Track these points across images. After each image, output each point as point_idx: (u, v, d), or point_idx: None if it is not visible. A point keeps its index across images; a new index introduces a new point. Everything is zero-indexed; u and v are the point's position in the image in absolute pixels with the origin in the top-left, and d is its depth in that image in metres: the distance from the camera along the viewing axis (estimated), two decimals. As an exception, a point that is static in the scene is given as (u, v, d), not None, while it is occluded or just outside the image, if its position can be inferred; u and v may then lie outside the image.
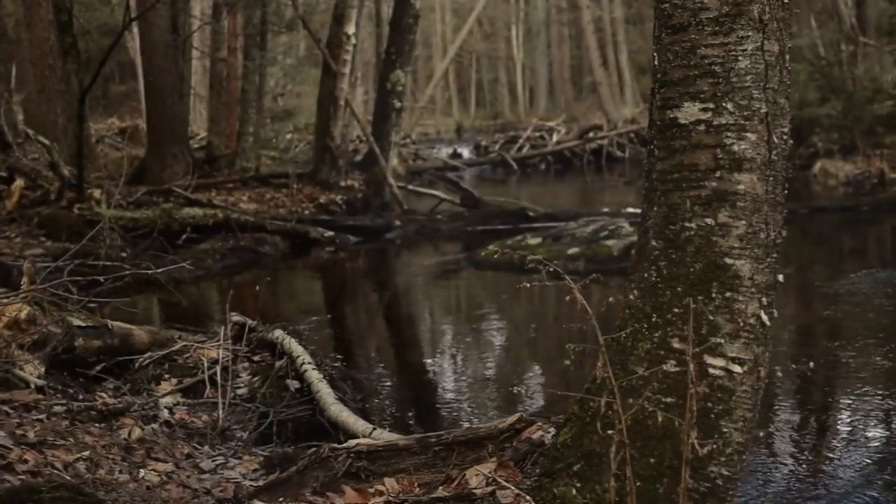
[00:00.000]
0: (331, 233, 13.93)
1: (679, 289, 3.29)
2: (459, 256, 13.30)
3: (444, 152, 31.19)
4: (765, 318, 3.25)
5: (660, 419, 3.16)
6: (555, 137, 31.01)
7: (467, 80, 49.87)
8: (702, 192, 3.27)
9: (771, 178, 3.27)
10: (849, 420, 6.06)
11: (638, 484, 3.22)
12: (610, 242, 11.57)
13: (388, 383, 7.34)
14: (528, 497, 3.27)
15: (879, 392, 6.41)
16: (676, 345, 3.25)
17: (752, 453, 5.36)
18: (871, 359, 7.36)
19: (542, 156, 29.30)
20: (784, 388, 6.62)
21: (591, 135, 29.99)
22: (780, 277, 3.32)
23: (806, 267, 11.99)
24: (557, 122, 33.79)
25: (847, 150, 21.30)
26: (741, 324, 3.24)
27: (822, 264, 12.29)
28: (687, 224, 3.30)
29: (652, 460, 3.23)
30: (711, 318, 3.23)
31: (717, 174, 3.24)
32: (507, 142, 31.36)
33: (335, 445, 4.06)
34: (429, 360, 8.22)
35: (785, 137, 3.29)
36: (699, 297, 3.24)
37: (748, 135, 3.23)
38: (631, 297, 3.44)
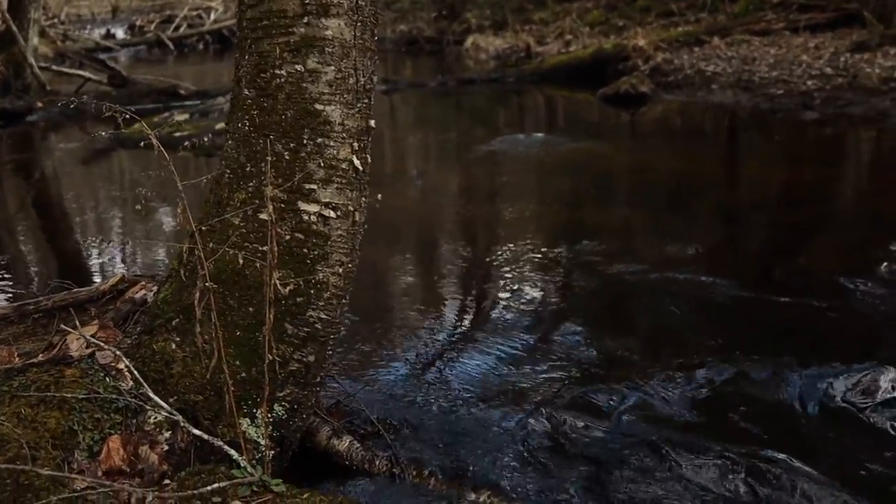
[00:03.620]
0: (-38, 115, 12.91)
1: (272, 137, 3.26)
2: (105, 136, 12.72)
3: (97, 33, 29.52)
4: (357, 163, 3.29)
5: (258, 267, 3.15)
6: (212, 16, 30.09)
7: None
8: (290, 39, 3.23)
9: (359, 24, 3.27)
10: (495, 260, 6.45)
11: (238, 333, 3.23)
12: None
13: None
14: (123, 356, 3.19)
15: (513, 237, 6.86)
16: (270, 193, 3.23)
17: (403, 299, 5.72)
18: (510, 207, 8.03)
19: (199, 35, 28.40)
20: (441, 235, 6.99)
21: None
22: (373, 123, 3.37)
23: (453, 132, 12.51)
24: (215, 1, 32.74)
25: (498, 26, 22.18)
26: (334, 169, 3.26)
27: (468, 130, 12.81)
28: (277, 71, 3.26)
29: (251, 309, 3.23)
30: (304, 164, 3.23)
31: (305, 20, 3.21)
32: (163, 21, 30.13)
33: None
34: (57, 237, 8.00)
35: (372, -18, 3.30)
36: (291, 145, 3.23)
37: (334, -21, 3.20)
38: (227, 148, 3.39)
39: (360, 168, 3.30)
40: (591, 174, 9.57)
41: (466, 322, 5.46)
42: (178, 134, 11.05)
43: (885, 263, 5.88)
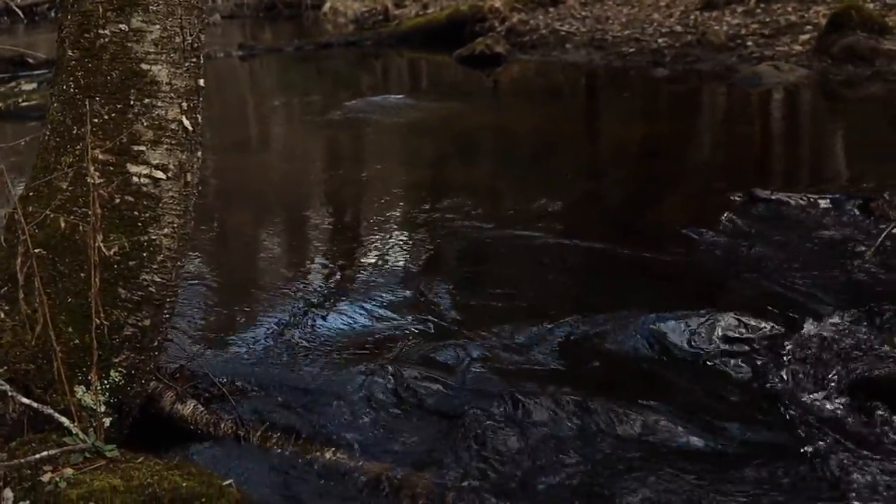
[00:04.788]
0: None
1: (98, 98, 3.18)
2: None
3: (-61, 0, 28.21)
4: (187, 123, 3.25)
5: (83, 231, 3.09)
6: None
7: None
8: (114, -3, 3.15)
9: (185, -19, 3.22)
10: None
11: (70, 300, 3.16)
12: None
13: None
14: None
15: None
16: (100, 156, 3.17)
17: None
18: (373, 169, 8.05)
19: (51, 3, 27.42)
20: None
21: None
22: (202, 82, 3.32)
23: (314, 96, 12.43)
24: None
25: (357, -11, 22.01)
26: (163, 130, 3.21)
27: (328, 94, 12.74)
28: (101, 31, 3.18)
29: (82, 275, 3.16)
30: (132, 125, 3.17)
31: (128, -23, 3.14)
32: (10, -13, 28.94)
33: None
34: None
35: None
36: (118, 106, 3.17)
37: (155, -65, 3.14)
38: (52, 110, 3.30)
39: (191, 128, 3.26)
40: (451, 134, 9.64)
41: (325, 283, 5.46)
42: (25, 104, 10.70)
43: (726, 213, 6.09)
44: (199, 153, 3.35)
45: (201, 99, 3.34)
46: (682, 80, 12.01)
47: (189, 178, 3.29)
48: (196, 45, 3.28)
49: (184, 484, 2.61)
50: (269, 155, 9.34)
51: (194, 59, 3.28)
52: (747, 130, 9.58)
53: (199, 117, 3.32)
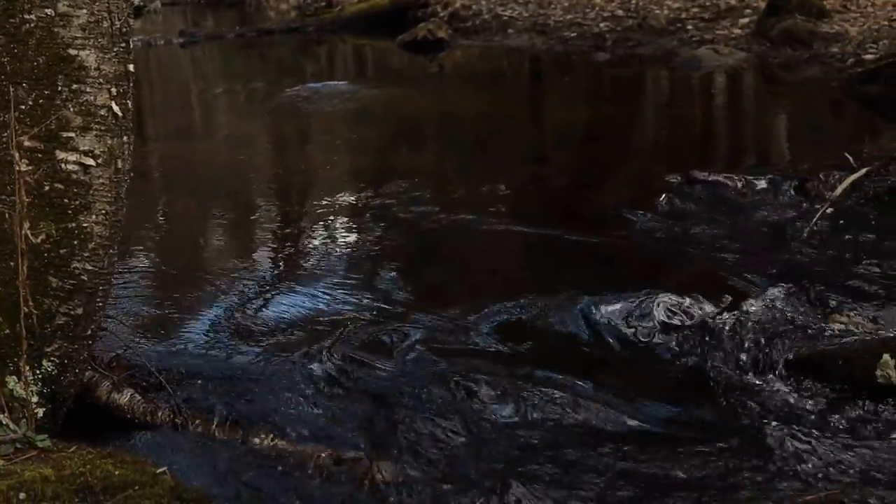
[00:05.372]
0: None
1: (24, 84, 3.13)
2: None
3: None
4: (117, 109, 3.20)
5: (8, 218, 3.04)
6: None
7: None
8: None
9: (111, -35, 3.17)
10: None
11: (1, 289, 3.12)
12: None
13: None
14: None
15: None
16: (26, 143, 3.12)
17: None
18: (318, 155, 8.26)
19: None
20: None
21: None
22: (132, 68, 3.28)
23: (257, 83, 12.37)
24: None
25: (299, -24, 21.85)
26: (92, 116, 3.16)
27: (272, 81, 12.68)
28: (27, 16, 3.12)
29: (11, 264, 3.11)
30: (60, 111, 3.12)
31: (52, -39, 3.09)
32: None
33: None
34: None
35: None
36: (45, 91, 3.12)
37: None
38: (-24, 98, 3.24)
39: (121, 114, 3.21)
40: (395, 120, 9.64)
41: (268, 270, 5.44)
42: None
43: (664, 195, 6.15)
44: (131, 139, 3.31)
45: (131, 84, 3.29)
46: (623, 64, 12.09)
47: (120, 164, 3.25)
48: (124, 29, 3.23)
49: (116, 472, 2.59)
50: (213, 142, 9.28)
51: (123, 44, 3.23)
52: (687, 113, 9.69)
53: (130, 103, 3.28)
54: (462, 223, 5.96)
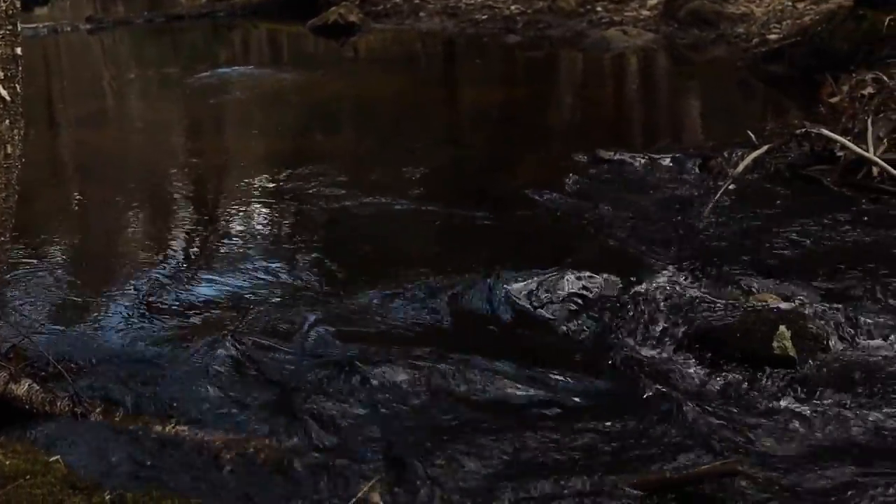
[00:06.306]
0: None
1: None
2: None
3: None
4: (5, 93, 3.14)
5: None
6: None
7: None
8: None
9: (-5, -54, 3.10)
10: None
11: None
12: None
13: None
14: None
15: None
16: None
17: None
18: (232, 140, 8.22)
19: None
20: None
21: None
22: (20, 51, 3.21)
23: (168, 69, 12.18)
24: None
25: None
26: (-21, 101, 3.10)
27: (184, 67, 12.50)
28: None
29: None
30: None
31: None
32: None
33: None
34: None
35: None
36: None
37: None
38: None
39: (9, 98, 3.15)
40: (308, 104, 9.60)
41: (177, 256, 5.40)
42: None
43: (571, 175, 6.21)
44: (21, 124, 3.24)
45: (20, 68, 3.23)
46: (534, 46, 12.16)
47: (10, 149, 3.19)
48: (11, 11, 3.17)
49: (7, 462, 2.55)
50: (125, 129, 9.12)
51: (10, 27, 3.17)
52: (596, 94, 9.79)
53: (19, 87, 3.21)
54: (375, 205, 5.95)
